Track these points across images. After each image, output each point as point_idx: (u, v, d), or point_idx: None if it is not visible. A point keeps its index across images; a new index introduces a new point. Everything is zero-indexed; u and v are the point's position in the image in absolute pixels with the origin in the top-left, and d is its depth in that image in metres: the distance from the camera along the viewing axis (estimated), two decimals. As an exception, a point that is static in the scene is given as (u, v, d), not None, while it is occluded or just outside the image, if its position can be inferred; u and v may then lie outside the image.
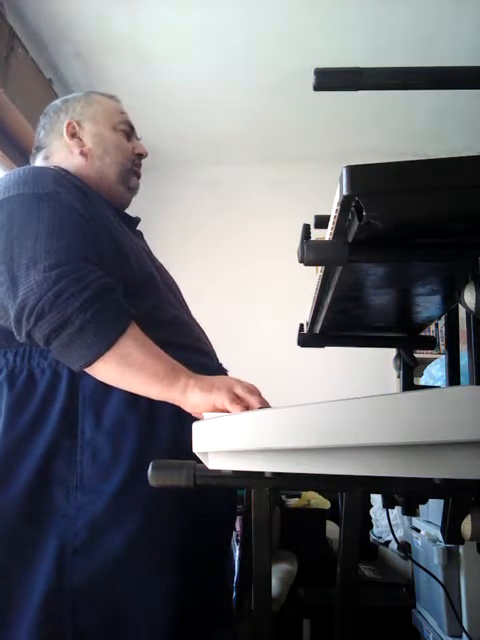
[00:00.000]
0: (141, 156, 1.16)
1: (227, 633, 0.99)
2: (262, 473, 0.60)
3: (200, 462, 0.63)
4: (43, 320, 0.79)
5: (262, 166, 3.17)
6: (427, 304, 0.86)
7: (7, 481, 0.85)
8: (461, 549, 1.39)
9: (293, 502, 2.14)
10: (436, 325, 2.55)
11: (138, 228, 1.18)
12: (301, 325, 1.07)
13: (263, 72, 2.44)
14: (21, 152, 2.32)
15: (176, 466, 0.65)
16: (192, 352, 0.97)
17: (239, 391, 0.82)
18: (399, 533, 1.84)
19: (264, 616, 0.61)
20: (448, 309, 0.89)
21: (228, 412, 0.79)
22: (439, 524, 1.33)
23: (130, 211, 1.17)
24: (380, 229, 0.51)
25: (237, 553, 1.55)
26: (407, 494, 0.91)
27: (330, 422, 0.48)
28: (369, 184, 0.50)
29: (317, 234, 0.64)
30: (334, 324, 0.96)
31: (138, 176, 1.15)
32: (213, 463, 0.60)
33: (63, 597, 0.82)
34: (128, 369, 0.82)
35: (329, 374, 2.80)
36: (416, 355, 1.04)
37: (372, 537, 2.17)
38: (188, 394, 0.82)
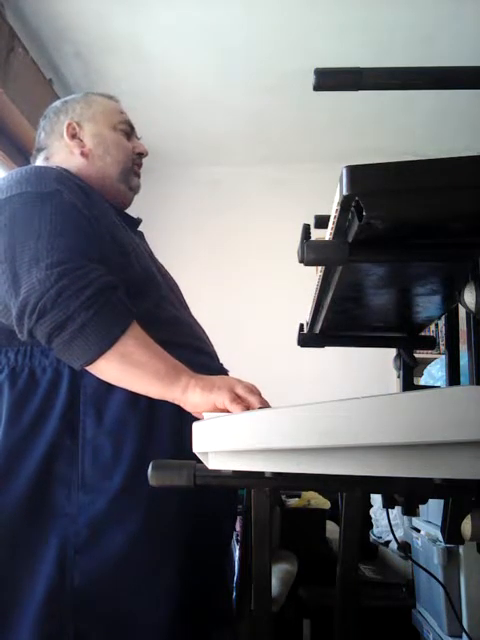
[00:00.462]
0: (141, 155, 1.16)
1: (227, 633, 0.99)
2: (262, 473, 0.60)
3: (200, 462, 0.63)
4: (45, 318, 0.79)
5: (262, 166, 3.17)
6: (427, 304, 0.86)
7: (8, 480, 0.85)
8: (461, 549, 1.39)
9: (293, 502, 2.14)
10: (436, 325, 2.54)
11: (139, 228, 1.18)
12: (301, 325, 1.07)
13: (263, 72, 2.44)
14: (21, 152, 2.32)
15: (176, 466, 0.65)
16: (193, 352, 0.97)
17: (240, 391, 0.82)
18: (399, 533, 1.85)
19: (264, 616, 0.61)
20: (448, 309, 0.89)
21: (228, 412, 0.79)
22: (439, 524, 1.33)
23: (130, 211, 1.17)
24: (380, 229, 0.51)
25: (237, 553, 1.55)
26: (407, 494, 0.91)
27: (330, 422, 0.48)
28: (369, 184, 0.50)
29: (317, 234, 0.64)
30: (334, 324, 0.96)
31: (138, 176, 1.16)
32: (213, 463, 0.60)
33: (64, 596, 0.82)
34: (129, 368, 0.82)
35: (329, 374, 2.80)
36: (416, 355, 1.04)
37: (372, 537, 2.17)
38: (189, 393, 0.82)
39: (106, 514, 0.85)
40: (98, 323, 0.80)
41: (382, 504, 1.03)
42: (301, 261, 0.58)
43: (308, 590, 1.83)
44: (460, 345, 0.94)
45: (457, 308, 0.87)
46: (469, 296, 0.64)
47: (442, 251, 0.59)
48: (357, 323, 1.00)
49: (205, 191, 3.20)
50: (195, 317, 1.11)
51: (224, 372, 1.05)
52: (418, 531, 1.64)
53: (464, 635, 1.33)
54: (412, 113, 2.70)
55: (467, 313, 0.74)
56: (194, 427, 0.61)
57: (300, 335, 1.06)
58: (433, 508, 1.49)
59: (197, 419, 0.74)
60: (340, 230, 0.57)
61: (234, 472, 0.62)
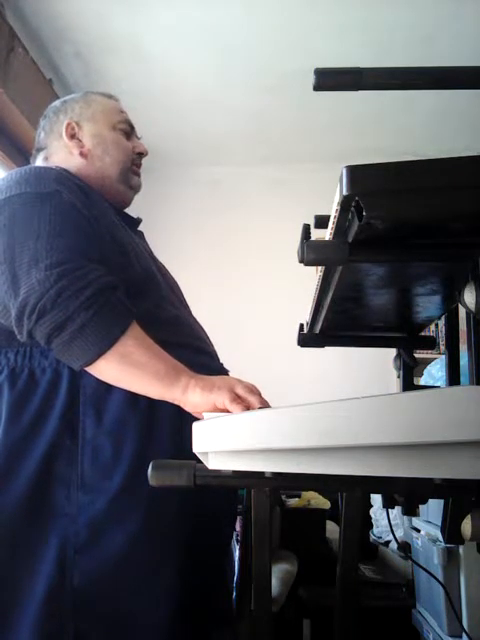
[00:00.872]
0: (141, 155, 1.15)
1: (227, 633, 0.99)
2: (262, 473, 0.60)
3: (200, 462, 0.63)
4: (44, 319, 0.79)
5: (262, 166, 3.17)
6: (427, 304, 0.86)
7: (8, 480, 0.85)
8: (461, 549, 1.39)
9: (293, 502, 2.14)
10: (436, 325, 2.54)
11: (139, 228, 1.18)
12: (301, 325, 1.07)
13: (263, 72, 2.44)
14: (21, 152, 2.32)
15: (176, 466, 0.65)
16: (193, 352, 0.97)
17: (240, 391, 0.82)
18: (399, 533, 1.84)
19: (264, 616, 0.61)
20: (448, 309, 0.89)
21: (228, 412, 0.79)
22: (439, 524, 1.33)
23: (130, 211, 1.17)
24: (380, 229, 0.51)
25: (237, 553, 1.55)
26: (407, 494, 0.91)
27: (330, 422, 0.48)
28: (369, 184, 0.50)
29: (317, 234, 0.64)
30: (334, 324, 0.96)
31: (138, 175, 1.15)
32: (213, 463, 0.60)
33: (64, 596, 0.82)
34: (129, 368, 0.82)
35: (329, 374, 2.80)
36: (416, 355, 1.04)
37: (372, 537, 2.17)
38: (189, 393, 0.82)
39: (106, 514, 0.85)
40: (98, 323, 0.80)
41: (382, 504, 1.03)
42: (301, 261, 0.58)
43: (308, 590, 1.83)
44: (460, 345, 0.94)
45: (457, 308, 0.87)
46: (469, 296, 0.64)
47: (442, 251, 0.59)
48: (357, 323, 1.00)
49: (205, 191, 3.20)
50: (195, 317, 1.11)
51: (224, 372, 1.05)
52: (418, 531, 1.64)
53: (464, 635, 1.33)
54: (412, 113, 2.70)
55: (467, 313, 0.74)
56: (194, 427, 0.61)
57: (300, 335, 1.06)
58: (433, 508, 1.49)
59: (197, 419, 0.74)
60: (340, 230, 0.57)
61: (234, 472, 0.62)
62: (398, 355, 1.05)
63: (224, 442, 0.56)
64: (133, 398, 0.88)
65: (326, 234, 0.61)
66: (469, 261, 0.61)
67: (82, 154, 1.08)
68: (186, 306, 1.12)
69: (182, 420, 0.86)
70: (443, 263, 0.65)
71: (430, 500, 1.15)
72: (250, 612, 0.61)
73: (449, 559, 1.41)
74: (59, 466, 0.86)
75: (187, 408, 0.84)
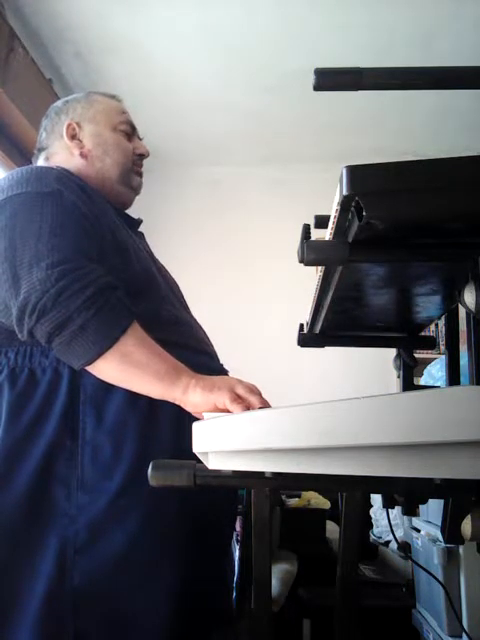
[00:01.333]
0: (142, 156, 1.15)
1: (227, 633, 0.99)
2: (262, 473, 0.60)
3: (200, 462, 0.63)
4: (45, 318, 0.79)
5: (262, 166, 3.17)
6: (427, 304, 0.86)
7: (8, 480, 0.85)
8: (461, 549, 1.39)
9: (293, 502, 2.14)
10: (436, 325, 2.55)
11: (139, 229, 1.18)
12: (301, 325, 1.07)
13: (263, 72, 2.44)
14: (21, 152, 2.33)
15: (176, 466, 0.65)
16: (193, 352, 0.97)
17: (240, 391, 0.81)
18: (399, 533, 1.84)
19: (264, 616, 0.61)
20: (448, 309, 0.89)
21: (229, 412, 0.79)
22: (439, 524, 1.33)
23: (130, 211, 1.17)
24: (380, 229, 0.51)
25: (237, 553, 1.55)
26: (407, 494, 0.91)
27: (330, 422, 0.48)
28: (369, 184, 0.50)
29: (317, 234, 0.64)
30: (334, 324, 0.96)
31: (140, 175, 1.15)
32: (213, 463, 0.60)
33: (64, 596, 0.82)
34: (129, 368, 0.82)
35: (329, 374, 2.80)
36: (416, 355, 1.04)
37: (372, 537, 2.17)
38: (189, 393, 0.82)
39: (106, 514, 0.85)
40: (98, 323, 0.80)
41: (382, 504, 1.03)
42: (301, 261, 0.58)
43: (308, 590, 1.83)
44: (460, 345, 0.94)
45: (457, 308, 0.87)
46: (469, 296, 0.64)
47: (442, 251, 0.59)
48: (357, 323, 1.00)
49: (205, 191, 3.20)
50: (195, 317, 1.11)
51: (224, 372, 1.05)
52: (418, 531, 1.64)
53: (464, 635, 1.33)
54: (412, 113, 2.70)
55: (467, 313, 0.74)
56: (194, 427, 0.61)
57: (300, 335, 1.06)
58: (433, 508, 1.49)
59: (197, 419, 0.74)
60: (340, 230, 0.57)
61: (234, 472, 0.62)
62: (398, 355, 1.05)
63: (224, 442, 0.56)
64: (133, 398, 0.88)
65: (326, 234, 0.61)
66: (469, 261, 0.61)
67: (82, 155, 1.08)
68: (186, 306, 1.12)
69: (182, 420, 0.86)
70: (443, 263, 0.65)
71: (430, 500, 1.15)
72: (250, 612, 0.61)
73: (449, 559, 1.41)
74: (59, 466, 0.86)
75: (187, 408, 0.84)
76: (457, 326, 0.93)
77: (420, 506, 1.51)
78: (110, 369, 0.83)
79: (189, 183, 3.22)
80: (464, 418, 0.43)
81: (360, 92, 0.61)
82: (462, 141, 2.78)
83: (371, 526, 2.18)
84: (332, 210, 0.57)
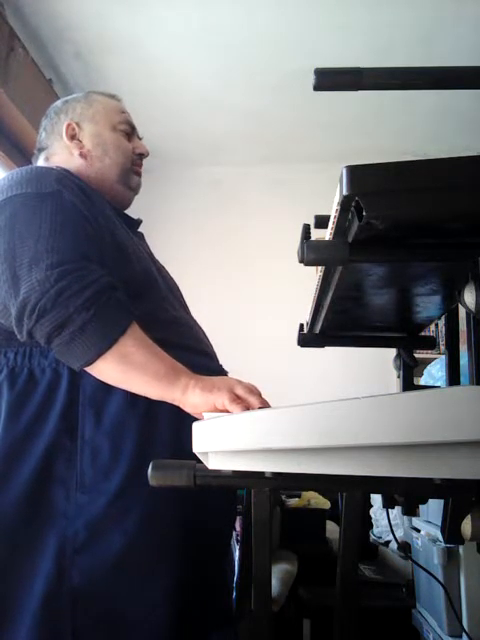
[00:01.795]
0: (142, 156, 1.15)
1: (227, 633, 0.99)
2: (262, 473, 0.60)
3: (200, 462, 0.63)
4: (45, 318, 0.79)
5: (262, 166, 3.17)
6: (427, 304, 0.86)
7: (7, 480, 0.85)
8: (461, 549, 1.39)
9: (293, 502, 2.14)
10: (436, 325, 2.55)
11: (139, 229, 1.18)
12: (301, 325, 1.07)
13: (263, 72, 2.44)
14: (21, 152, 2.32)
15: (176, 466, 0.65)
16: (193, 353, 0.97)
17: (239, 391, 0.81)
18: (399, 533, 1.84)
19: (264, 616, 0.61)
20: (448, 309, 0.89)
21: (228, 412, 0.79)
22: (439, 524, 1.33)
23: (130, 211, 1.17)
24: (380, 229, 0.51)
25: (237, 553, 1.55)
26: (407, 494, 0.91)
27: (330, 422, 0.48)
28: (369, 184, 0.50)
29: (317, 234, 0.64)
30: (334, 324, 0.96)
31: (139, 175, 1.15)
32: (213, 463, 0.60)
33: (63, 597, 0.82)
34: (129, 368, 0.82)
35: (329, 374, 2.80)
36: (416, 355, 1.04)
37: (372, 537, 2.17)
38: (188, 394, 0.82)
39: (104, 514, 0.84)
40: (98, 324, 0.80)
41: (382, 504, 1.03)
42: (301, 261, 0.58)
43: (308, 590, 1.83)
44: (460, 345, 0.94)
45: (457, 308, 0.87)
46: (469, 296, 0.64)
47: (442, 251, 0.59)
48: (357, 323, 1.00)
49: (205, 191, 3.20)
50: (195, 318, 1.10)
51: (223, 373, 1.05)
52: (418, 531, 1.64)
53: (464, 635, 1.33)
54: (412, 113, 2.70)
55: (467, 313, 0.74)
56: (194, 427, 0.61)
57: (300, 335, 1.06)
58: (433, 508, 1.49)
59: (196, 419, 0.74)
60: (340, 230, 0.57)
61: (234, 472, 0.62)
62: (398, 355, 1.05)
63: (224, 442, 0.56)
64: (132, 399, 0.88)
65: (326, 234, 0.61)
66: (469, 261, 0.61)
67: (82, 155, 1.08)
68: (185, 307, 1.11)
69: (181, 420, 0.86)
70: (443, 263, 0.65)
71: (430, 500, 1.15)
72: (250, 612, 0.61)
73: (449, 559, 1.41)
74: (58, 466, 0.86)
75: (186, 409, 0.84)
76: (457, 326, 0.93)
77: (420, 506, 1.51)
78: (109, 370, 0.83)
79: (189, 183, 3.22)
80: (464, 418, 0.43)
81: (360, 92, 0.61)
82: (462, 141, 2.78)
83: (371, 526, 2.18)
84: (332, 210, 0.57)
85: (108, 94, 1.17)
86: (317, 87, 0.61)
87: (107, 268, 0.87)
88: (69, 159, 1.08)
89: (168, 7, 2.10)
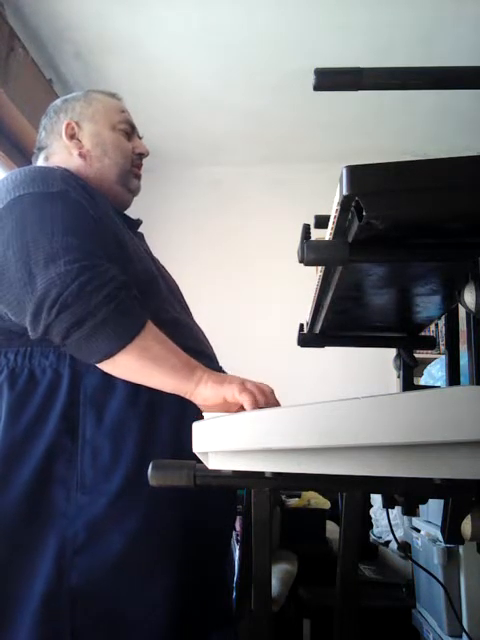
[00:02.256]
0: (142, 156, 1.15)
1: (227, 633, 0.99)
2: (262, 473, 0.60)
3: (200, 462, 0.63)
4: (65, 313, 0.79)
5: (262, 166, 3.17)
6: (427, 304, 0.86)
7: (7, 481, 0.85)
8: (461, 549, 1.39)
9: (293, 502, 2.14)
10: (436, 325, 2.54)
11: (139, 229, 1.18)
12: (301, 325, 1.07)
13: (263, 72, 2.44)
14: (21, 152, 2.32)
15: (176, 466, 0.65)
16: (193, 354, 0.97)
17: (249, 386, 0.85)
18: (399, 533, 1.84)
19: (264, 616, 0.61)
20: (448, 309, 0.89)
21: (231, 412, 0.80)
22: (439, 524, 1.33)
23: (130, 211, 1.16)
24: (380, 229, 0.51)
25: (237, 553, 1.55)
26: (407, 494, 0.91)
27: (330, 422, 0.48)
28: (369, 184, 0.50)
29: (317, 234, 0.64)
30: (334, 324, 0.96)
31: (138, 177, 1.15)
32: (213, 463, 0.60)
33: (62, 597, 0.82)
34: (148, 362, 0.84)
35: (329, 374, 2.80)
36: (416, 355, 1.04)
37: (372, 537, 2.17)
38: (201, 387, 0.85)
39: (105, 515, 0.84)
40: (119, 318, 0.82)
41: (382, 504, 1.03)
42: (301, 261, 0.58)
43: (308, 590, 1.83)
44: (460, 345, 0.94)
45: (457, 308, 0.87)
46: (469, 296, 0.64)
47: (442, 251, 0.59)
48: (357, 323, 1.00)
49: (205, 191, 3.20)
50: (195, 319, 1.11)
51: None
52: (418, 531, 1.64)
53: (464, 635, 1.33)
54: (412, 113, 2.70)
55: (467, 313, 0.74)
56: (194, 427, 0.61)
57: (300, 335, 1.06)
58: (433, 508, 1.49)
59: (197, 419, 0.74)
60: (340, 230, 0.57)
61: (234, 472, 0.62)
62: (398, 355, 1.05)
63: (224, 442, 0.56)
64: (133, 399, 0.88)
65: (326, 234, 0.61)
66: (469, 261, 0.61)
67: (81, 155, 1.08)
68: (186, 308, 1.12)
69: (182, 420, 0.86)
70: (443, 263, 0.65)
71: (430, 500, 1.15)
72: (250, 612, 0.61)
73: (449, 559, 1.41)
74: (58, 467, 0.86)
75: (196, 401, 0.85)
76: (457, 326, 0.93)
77: (420, 506, 1.51)
78: (129, 363, 0.84)
79: (189, 183, 3.22)
80: (464, 418, 0.43)
81: (360, 92, 0.61)
82: (462, 141, 2.78)
83: (371, 526, 2.18)
84: (332, 210, 0.57)
85: (108, 93, 1.16)
86: (317, 87, 0.61)
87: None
88: (68, 159, 1.08)
89: (168, 7, 2.10)
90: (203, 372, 0.87)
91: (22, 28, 2.18)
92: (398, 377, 1.06)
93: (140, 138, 1.17)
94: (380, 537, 2.14)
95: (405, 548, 1.79)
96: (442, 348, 2.24)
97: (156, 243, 1.24)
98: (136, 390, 0.88)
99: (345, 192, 0.50)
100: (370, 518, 2.17)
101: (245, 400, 0.82)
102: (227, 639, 0.99)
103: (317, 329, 0.99)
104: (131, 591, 0.84)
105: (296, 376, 2.74)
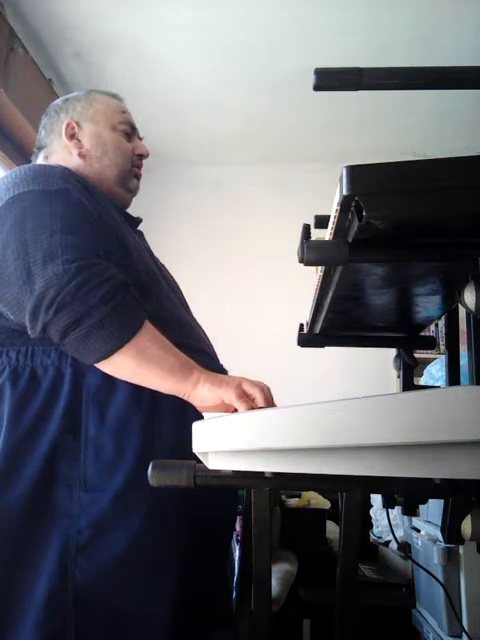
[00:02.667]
0: (142, 156, 1.15)
1: (227, 633, 0.99)
2: (262, 473, 0.60)
3: (200, 462, 0.63)
4: (62, 312, 0.79)
5: (262, 166, 3.17)
6: (427, 304, 0.86)
7: (11, 480, 0.85)
8: (461, 549, 1.39)
9: (293, 502, 2.14)
10: (436, 325, 2.54)
11: (139, 228, 1.18)
12: (301, 325, 1.07)
13: (263, 72, 2.44)
14: (21, 152, 2.32)
15: (176, 466, 0.65)
16: (194, 352, 0.97)
17: (246, 387, 0.84)
18: (399, 533, 1.84)
19: (264, 616, 0.61)
20: (448, 309, 0.89)
21: (233, 409, 0.80)
22: (439, 524, 1.33)
23: (129, 211, 1.16)
24: (380, 229, 0.51)
25: (237, 553, 1.55)
26: (407, 494, 0.91)
27: (330, 422, 0.48)
28: (369, 184, 0.50)
29: (317, 234, 0.64)
30: (334, 324, 0.96)
31: (138, 177, 1.15)
32: (213, 463, 0.60)
33: (65, 596, 0.82)
34: (145, 362, 0.83)
35: (329, 374, 2.80)
36: (416, 355, 1.04)
37: (372, 537, 2.17)
38: (198, 388, 0.85)
39: (108, 513, 0.85)
40: (116, 318, 0.81)
41: (382, 504, 1.03)
42: (301, 261, 0.58)
43: (308, 590, 1.83)
44: (460, 345, 0.94)
45: (457, 308, 0.87)
46: (469, 296, 0.64)
47: (442, 251, 0.59)
48: (357, 323, 1.00)
49: (205, 191, 3.20)
50: (195, 318, 1.11)
51: (224, 372, 1.05)
52: (418, 531, 1.64)
53: (464, 635, 1.33)
54: (412, 113, 2.70)
55: (467, 313, 0.74)
56: (194, 427, 0.61)
57: (300, 335, 1.06)
58: (433, 508, 1.49)
59: (200, 417, 0.74)
60: (340, 230, 0.57)
61: (234, 472, 0.62)
62: (398, 355, 1.05)
63: (224, 442, 0.56)
64: (136, 397, 0.88)
65: (326, 234, 0.61)
66: (469, 261, 0.61)
67: (81, 155, 1.08)
68: (186, 306, 1.12)
69: (185, 418, 0.86)
70: (443, 263, 0.65)
71: (430, 500, 1.15)
72: (250, 612, 0.61)
73: (449, 559, 1.41)
74: (61, 465, 0.86)
75: (194, 402, 0.85)
76: (457, 326, 0.93)
77: (420, 506, 1.51)
78: (125, 363, 0.83)
79: (189, 183, 3.22)
80: (464, 418, 0.43)
81: (360, 92, 0.61)
82: (462, 141, 2.78)
83: (371, 526, 2.18)
84: (332, 210, 0.57)
85: (109, 93, 1.16)
86: (317, 87, 0.61)
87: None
88: (68, 158, 1.08)
89: (168, 7, 2.10)
90: (201, 373, 0.86)
91: (22, 28, 2.18)
92: (398, 377, 1.06)
93: (141, 139, 1.17)
94: (380, 537, 2.13)
95: (405, 548, 1.79)
96: (442, 348, 2.24)
97: (156, 243, 1.24)
98: (139, 388, 0.88)
99: (345, 192, 0.50)
100: (370, 518, 2.17)
101: (240, 407, 0.82)
102: (227, 639, 0.99)
103: (317, 329, 0.99)
104: (134, 589, 0.84)
105: (296, 376, 2.74)
